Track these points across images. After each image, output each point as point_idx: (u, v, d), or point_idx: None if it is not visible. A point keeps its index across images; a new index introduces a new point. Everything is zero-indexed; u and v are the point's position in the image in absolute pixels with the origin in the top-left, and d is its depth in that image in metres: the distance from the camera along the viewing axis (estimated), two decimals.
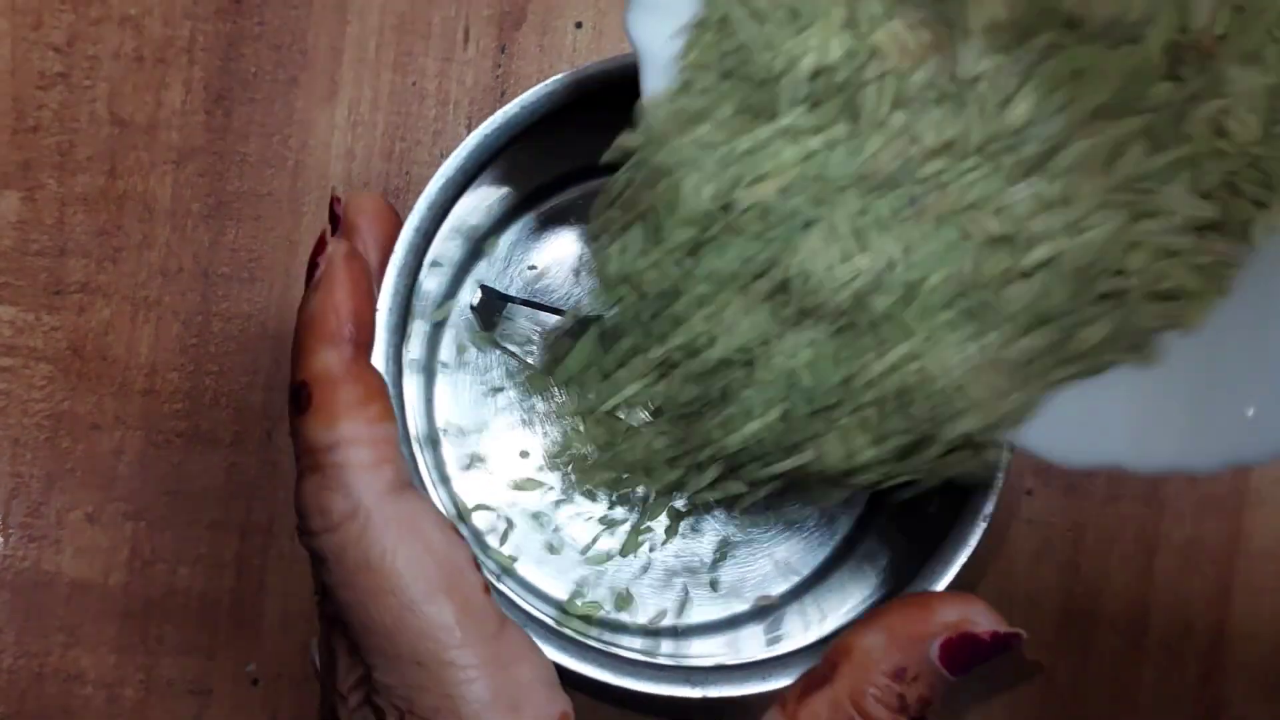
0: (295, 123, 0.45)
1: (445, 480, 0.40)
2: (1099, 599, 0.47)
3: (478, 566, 0.32)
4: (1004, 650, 0.33)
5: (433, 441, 0.40)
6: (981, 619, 0.33)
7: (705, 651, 0.39)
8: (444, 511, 0.33)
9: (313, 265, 0.34)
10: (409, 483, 0.32)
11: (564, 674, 0.35)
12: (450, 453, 0.40)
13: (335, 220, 0.36)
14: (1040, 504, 0.47)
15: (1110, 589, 0.47)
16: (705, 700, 0.35)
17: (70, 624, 0.44)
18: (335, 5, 0.46)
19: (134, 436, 0.45)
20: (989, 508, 0.36)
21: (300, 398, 0.32)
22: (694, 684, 0.35)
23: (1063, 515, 0.47)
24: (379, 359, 0.35)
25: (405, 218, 0.36)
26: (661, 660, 0.38)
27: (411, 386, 0.40)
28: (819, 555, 0.41)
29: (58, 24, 0.45)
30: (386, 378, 0.35)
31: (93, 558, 0.45)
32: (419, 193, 0.36)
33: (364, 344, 0.33)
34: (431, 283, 0.40)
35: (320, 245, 0.34)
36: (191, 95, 0.45)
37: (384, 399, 0.33)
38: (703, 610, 0.41)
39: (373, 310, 0.34)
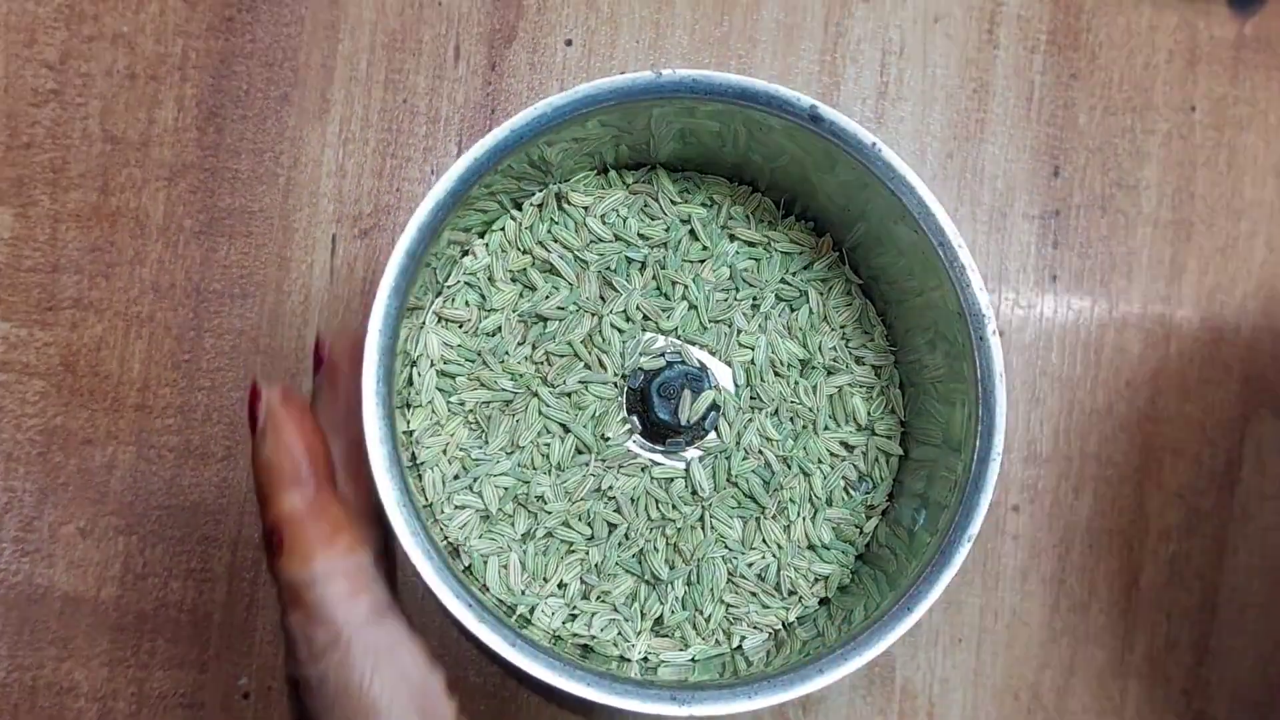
0: (287, 140, 0.46)
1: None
2: (1085, 614, 0.47)
3: (450, 692, 0.34)
4: None
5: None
6: None
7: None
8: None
9: (253, 415, 0.35)
10: (386, 609, 0.34)
11: (552, 690, 0.35)
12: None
13: (319, 361, 0.38)
14: (1026, 520, 0.47)
15: (1096, 604, 0.47)
16: (692, 717, 0.35)
17: (63, 637, 0.45)
18: (327, 23, 0.46)
19: (126, 451, 0.45)
20: (974, 528, 0.37)
21: (272, 541, 0.34)
22: (680, 702, 0.35)
23: (1049, 531, 0.47)
24: (369, 382, 0.35)
25: (397, 237, 0.36)
26: (648, 677, 0.38)
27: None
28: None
29: (50, 41, 0.45)
30: (378, 399, 0.35)
31: (85, 571, 0.45)
32: (410, 210, 0.37)
33: (323, 478, 0.35)
34: None
35: (255, 394, 0.35)
36: (184, 112, 0.45)
37: (352, 529, 0.34)
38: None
39: (325, 443, 0.35)
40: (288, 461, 0.34)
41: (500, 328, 0.41)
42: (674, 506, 0.41)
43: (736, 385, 0.42)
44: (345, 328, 0.45)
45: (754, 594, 0.41)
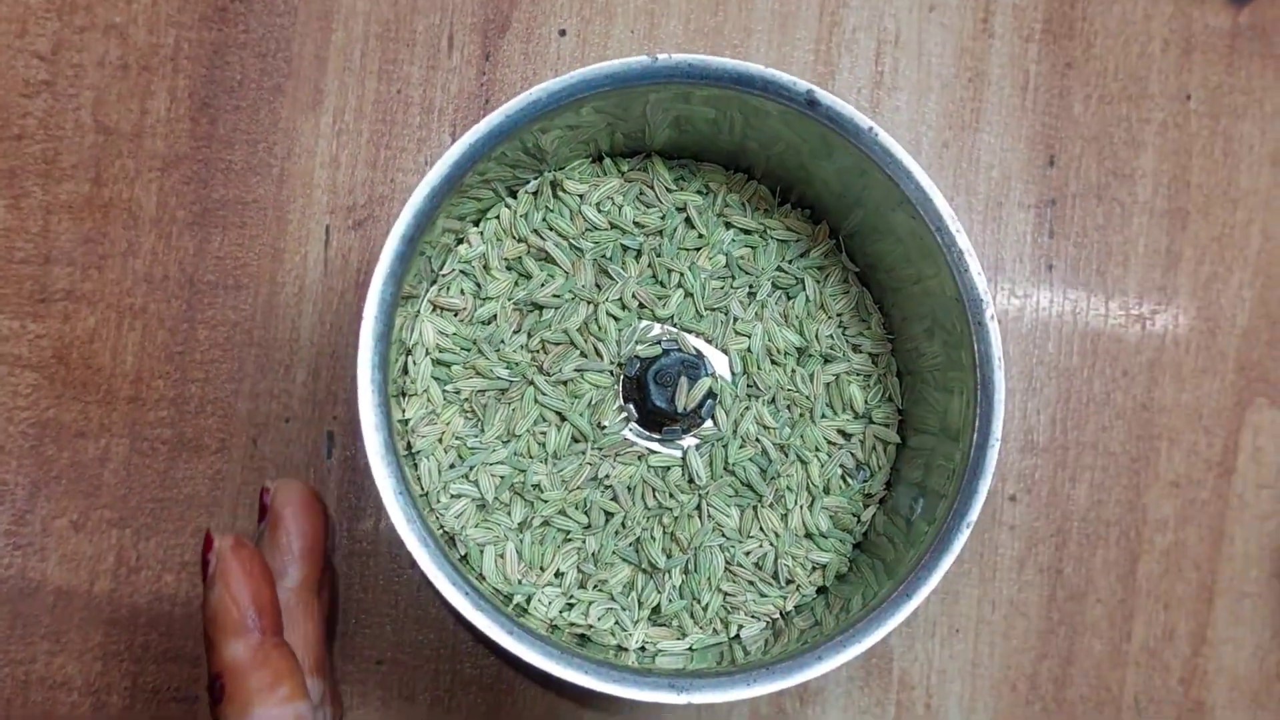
0: (280, 130, 0.45)
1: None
2: (1082, 604, 0.47)
3: None
4: None
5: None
6: None
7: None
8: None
9: (204, 562, 0.36)
10: None
11: (549, 679, 0.35)
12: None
13: (263, 510, 0.38)
14: (1023, 510, 0.47)
15: (1093, 594, 0.47)
16: (690, 705, 0.35)
17: (56, 631, 0.44)
18: (320, 13, 0.46)
19: (119, 444, 0.45)
20: (973, 515, 0.36)
21: (214, 689, 0.35)
22: (678, 690, 0.35)
23: (1046, 521, 0.47)
24: (365, 370, 0.35)
25: (391, 225, 0.36)
26: (646, 665, 0.38)
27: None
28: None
29: (42, 32, 0.45)
30: (373, 386, 0.35)
31: (78, 565, 0.44)
32: (404, 200, 0.36)
33: (268, 627, 0.36)
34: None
35: (208, 543, 0.36)
36: (177, 103, 0.45)
37: (293, 678, 0.35)
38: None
39: (272, 592, 0.36)
40: (234, 611, 0.35)
41: (495, 316, 0.41)
42: (671, 495, 0.41)
43: (733, 373, 0.41)
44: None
45: (751, 582, 0.41)
